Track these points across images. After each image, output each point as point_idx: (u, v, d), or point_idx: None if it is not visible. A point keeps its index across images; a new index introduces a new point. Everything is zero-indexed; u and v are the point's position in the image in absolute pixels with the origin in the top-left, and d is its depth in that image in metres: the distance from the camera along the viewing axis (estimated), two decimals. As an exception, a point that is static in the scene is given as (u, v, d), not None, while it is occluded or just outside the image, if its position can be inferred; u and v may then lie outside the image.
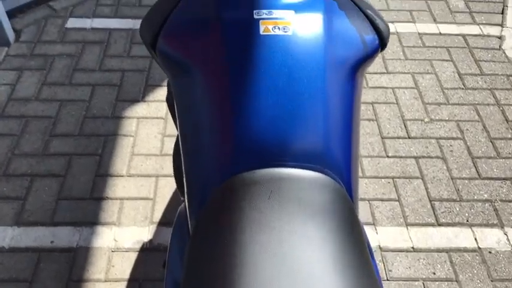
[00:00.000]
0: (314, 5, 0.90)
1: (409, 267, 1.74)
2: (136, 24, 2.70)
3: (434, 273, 1.73)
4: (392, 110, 2.29)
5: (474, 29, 2.77)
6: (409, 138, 2.17)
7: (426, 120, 2.26)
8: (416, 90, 2.40)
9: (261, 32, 0.84)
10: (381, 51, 0.97)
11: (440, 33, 2.73)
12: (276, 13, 0.86)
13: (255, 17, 0.86)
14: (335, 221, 0.74)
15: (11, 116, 2.18)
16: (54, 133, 2.12)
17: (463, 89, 2.42)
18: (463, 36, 2.73)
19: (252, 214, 0.73)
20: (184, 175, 0.89)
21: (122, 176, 1.97)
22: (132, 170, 2.00)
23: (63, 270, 1.69)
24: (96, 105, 2.25)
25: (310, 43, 0.85)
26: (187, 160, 0.88)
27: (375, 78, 2.45)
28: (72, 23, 2.68)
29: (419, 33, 2.73)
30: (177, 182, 1.18)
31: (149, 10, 1.02)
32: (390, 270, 1.73)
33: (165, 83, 2.39)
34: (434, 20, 2.82)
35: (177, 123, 0.94)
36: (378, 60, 2.56)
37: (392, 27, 2.76)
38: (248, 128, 0.79)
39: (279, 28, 0.85)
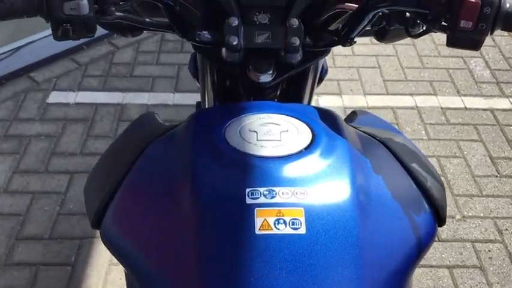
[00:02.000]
0: (337, 173, 0.59)
1: None
2: (126, 97, 2.42)
3: None
4: (417, 204, 1.97)
5: (503, 103, 2.47)
6: (439, 241, 1.84)
7: (458, 217, 1.93)
8: (443, 179, 2.08)
9: (257, 230, 0.54)
10: (438, 226, 0.66)
11: (465, 108, 2.43)
12: (281, 193, 0.56)
13: (248, 201, 0.55)
14: None
15: (-27, 213, 1.88)
16: (21, 236, 1.81)
17: (497, 176, 2.10)
18: (492, 111, 2.43)
19: None
20: None
21: (97, 295, 1.64)
22: (109, 286, 1.67)
23: None
24: (73, 198, 1.94)
25: (335, 247, 0.54)
26: None
27: (395, 164, 2.13)
28: (54, 97, 2.40)
29: (442, 108, 2.43)
30: None
31: (98, 162, 0.71)
32: None
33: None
34: (458, 92, 2.53)
35: None
36: (397, 140, 2.25)
37: (411, 101, 2.47)
38: None
39: (284, 222, 0.54)
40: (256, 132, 0.64)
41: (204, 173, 0.59)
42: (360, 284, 0.53)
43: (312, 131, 0.65)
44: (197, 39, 0.78)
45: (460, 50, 2.74)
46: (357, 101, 2.47)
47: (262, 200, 0.55)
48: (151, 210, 0.60)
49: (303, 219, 0.54)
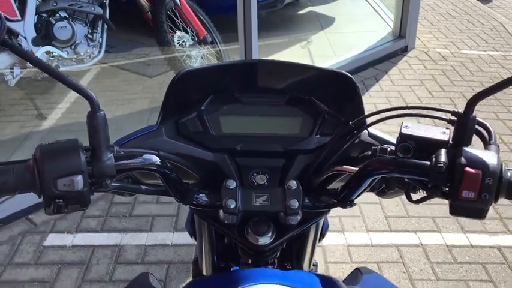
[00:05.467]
0: None
1: None
2: (124, 238, 2.38)
3: None
4: None
5: (509, 240, 2.42)
6: None
7: None
8: (456, 324, 1.97)
9: None
10: None
11: (471, 246, 2.38)
12: None
13: None
14: None
15: None
16: None
17: (513, 320, 1.99)
18: (498, 248, 2.36)
19: None
20: None
21: None
22: None
23: None
24: None
25: None
26: None
27: (404, 308, 2.03)
28: (51, 239, 2.36)
29: (447, 246, 2.37)
30: None
31: None
32: None
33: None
34: (462, 229, 2.48)
35: None
36: (404, 280, 2.17)
37: (415, 238, 2.42)
38: None
39: None
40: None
41: None
42: None
43: None
44: (194, 202, 0.76)
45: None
46: (360, 239, 2.42)
47: None
48: None
49: None
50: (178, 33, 3.55)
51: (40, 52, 2.84)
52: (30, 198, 2.49)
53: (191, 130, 0.81)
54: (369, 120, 0.77)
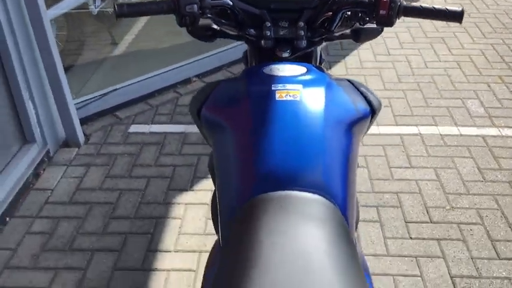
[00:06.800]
0: (318, 82, 1.21)
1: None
2: (188, 128, 3.11)
3: None
4: (415, 198, 2.50)
5: (493, 131, 3.02)
6: (431, 222, 2.35)
7: (447, 207, 2.44)
8: (438, 182, 2.61)
9: (277, 99, 1.16)
10: (371, 119, 1.26)
11: (460, 135, 2.99)
12: (288, 86, 1.18)
13: (273, 89, 1.18)
14: (328, 227, 0.99)
15: (78, 202, 2.53)
16: (113, 216, 2.44)
17: (482, 181, 2.62)
18: (483, 137, 2.97)
19: (267, 223, 0.99)
20: (218, 201, 1.17)
21: (169, 252, 2.23)
22: (179, 247, 2.25)
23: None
24: (150, 193, 2.58)
25: (313, 106, 1.15)
26: (220, 189, 1.16)
27: (399, 172, 2.69)
28: (133, 128, 3.12)
29: (441, 135, 3.00)
30: (214, 224, 1.45)
31: (197, 92, 1.36)
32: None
33: (209, 176, 2.71)
34: (455, 124, 3.10)
35: (214, 166, 1.23)
36: (402, 156, 2.82)
37: (415, 130, 3.05)
38: (265, 164, 1.07)
39: (290, 95, 1.16)
40: (279, 68, 1.27)
41: (253, 83, 1.23)
42: (324, 123, 1.13)
43: (307, 68, 1.28)
44: (247, 33, 1.43)
45: (459, 94, 3.33)
46: (370, 130, 3.06)
47: (279, 88, 1.18)
48: (226, 103, 1.23)
49: (299, 95, 1.16)
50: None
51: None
52: (115, 99, 3.26)
53: None
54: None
